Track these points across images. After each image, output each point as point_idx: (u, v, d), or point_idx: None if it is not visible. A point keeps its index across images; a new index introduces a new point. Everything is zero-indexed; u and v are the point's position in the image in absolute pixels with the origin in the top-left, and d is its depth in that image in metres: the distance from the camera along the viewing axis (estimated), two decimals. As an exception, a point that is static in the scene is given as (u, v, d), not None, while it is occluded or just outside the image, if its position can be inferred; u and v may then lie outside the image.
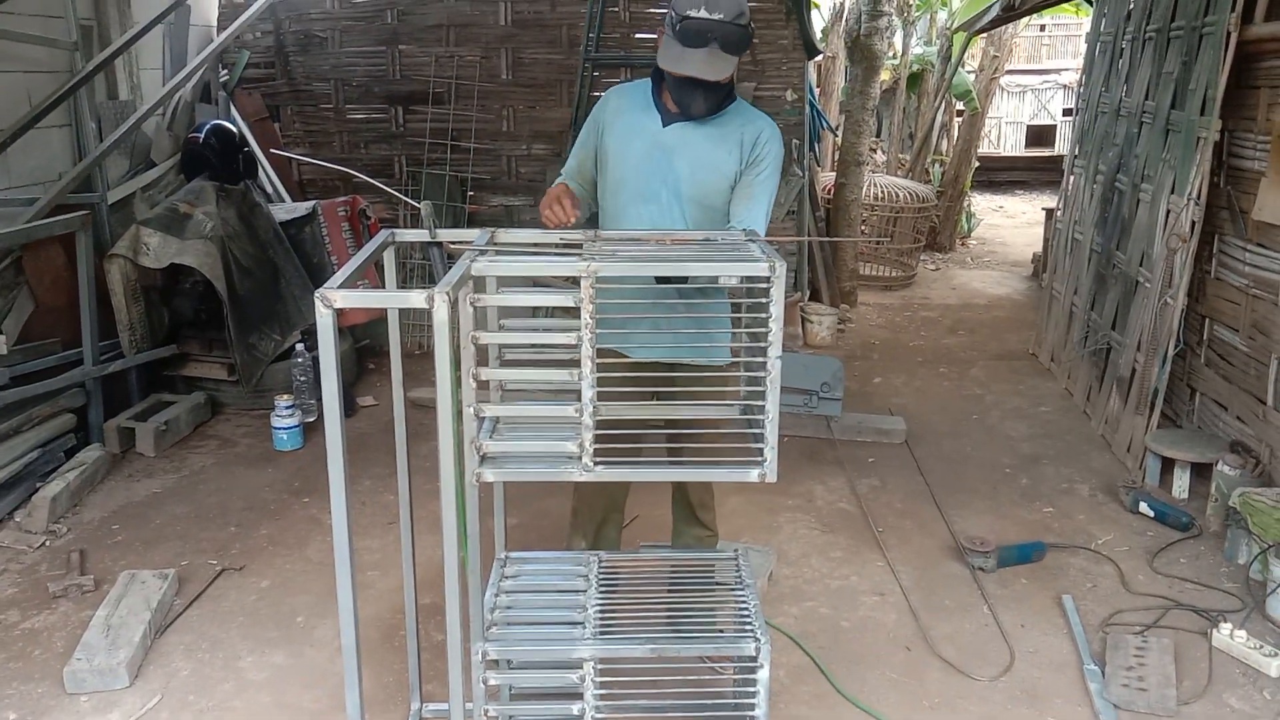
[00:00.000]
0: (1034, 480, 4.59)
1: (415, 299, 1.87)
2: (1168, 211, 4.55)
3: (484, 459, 2.29)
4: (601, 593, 2.63)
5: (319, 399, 5.08)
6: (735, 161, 2.85)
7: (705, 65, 2.71)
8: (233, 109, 6.20)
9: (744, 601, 2.58)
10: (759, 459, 2.24)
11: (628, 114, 2.93)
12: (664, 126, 2.88)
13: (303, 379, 5.05)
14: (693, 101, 2.79)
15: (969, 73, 10.48)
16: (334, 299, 1.86)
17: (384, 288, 2.66)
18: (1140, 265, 4.81)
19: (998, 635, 3.35)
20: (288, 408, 4.78)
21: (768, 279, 2.14)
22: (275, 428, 4.80)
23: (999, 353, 6.62)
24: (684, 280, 2.64)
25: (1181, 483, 4.28)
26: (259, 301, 5.11)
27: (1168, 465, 4.39)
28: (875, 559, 3.85)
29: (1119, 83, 5.47)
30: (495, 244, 2.46)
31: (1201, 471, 4.29)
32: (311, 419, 5.00)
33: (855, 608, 3.51)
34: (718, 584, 2.69)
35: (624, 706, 2.46)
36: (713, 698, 2.55)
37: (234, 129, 5.32)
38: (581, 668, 2.40)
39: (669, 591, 2.68)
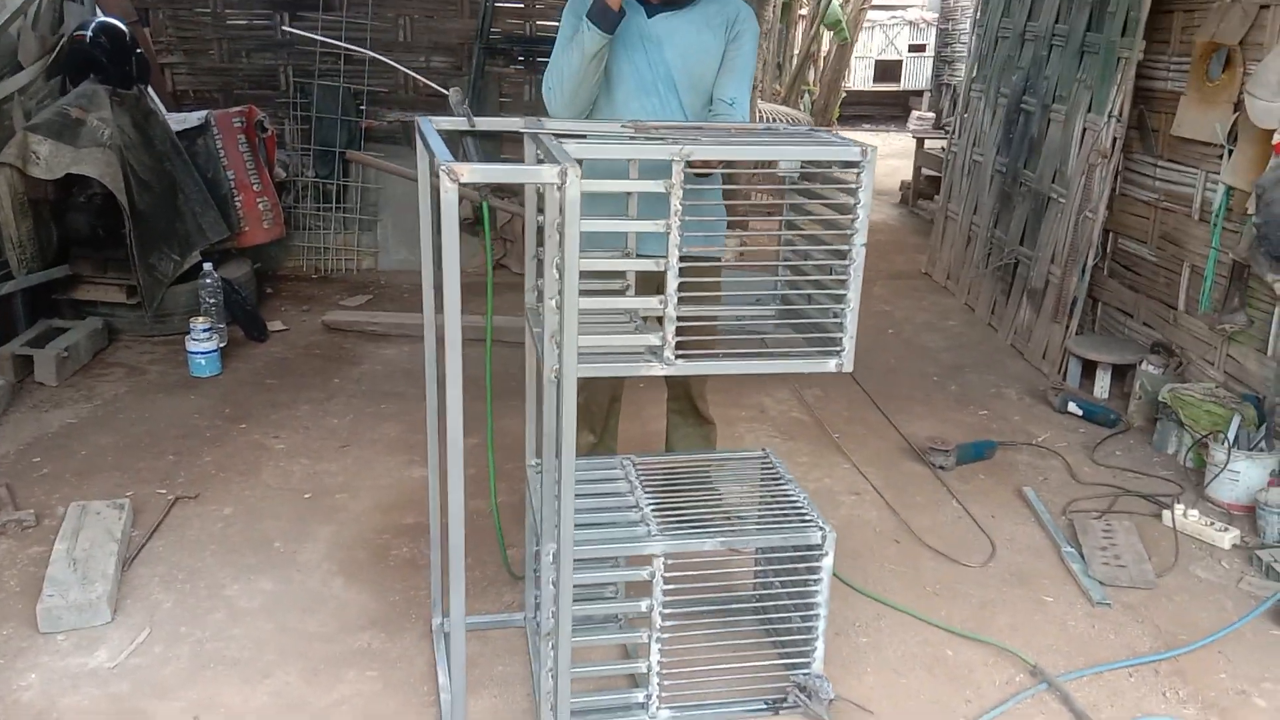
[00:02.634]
0: (962, 387, 4.81)
1: (547, 173, 1.75)
2: (1084, 130, 4.80)
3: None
4: (648, 493, 2.59)
5: (232, 322, 4.76)
6: (720, 44, 2.90)
7: None
8: (98, 11, 5.60)
9: (792, 494, 2.60)
10: (836, 349, 2.25)
11: None
12: (649, 19, 2.86)
13: (211, 301, 4.69)
14: None
15: (838, 4, 10.68)
16: (460, 171, 1.71)
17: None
18: (1053, 182, 5.07)
19: (973, 527, 3.50)
20: (205, 331, 4.44)
21: (859, 164, 2.13)
22: (192, 353, 4.45)
23: (892, 273, 6.87)
24: (710, 170, 2.62)
25: (1103, 383, 4.58)
26: (158, 218, 4.70)
27: (1088, 368, 4.69)
28: (841, 462, 3.96)
29: (1022, 8, 5.69)
30: (549, 131, 2.33)
31: (1119, 373, 4.61)
32: (223, 344, 4.66)
33: (837, 507, 3.59)
34: (760, 479, 2.70)
35: (686, 601, 2.44)
36: (766, 588, 2.57)
37: (124, 27, 4.81)
38: (651, 564, 2.36)
39: (712, 489, 2.68)
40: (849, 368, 2.25)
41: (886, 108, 14.75)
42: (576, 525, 2.41)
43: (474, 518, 3.43)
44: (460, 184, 1.73)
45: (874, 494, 3.70)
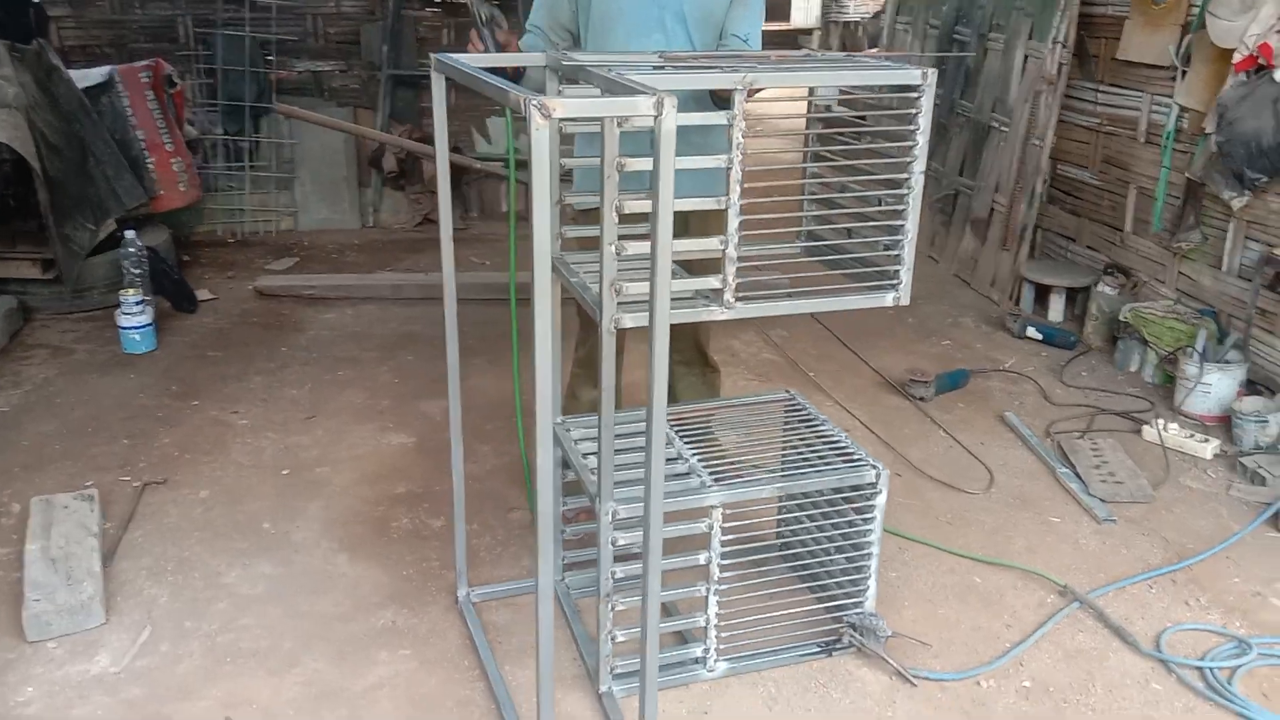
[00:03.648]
0: (919, 319, 4.84)
1: (643, 104, 1.60)
2: (1026, 57, 4.84)
3: (620, 305, 2.04)
4: (688, 443, 2.50)
5: (158, 293, 4.44)
6: None
7: None
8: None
9: (833, 434, 2.55)
10: (894, 282, 2.18)
11: None
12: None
13: (137, 272, 4.34)
14: None
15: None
16: (554, 107, 1.55)
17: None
18: (993, 112, 5.11)
19: (965, 454, 3.54)
20: (137, 303, 4.11)
21: (919, 88, 2.05)
22: (124, 328, 4.12)
23: (821, 210, 6.89)
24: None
25: (1057, 307, 4.68)
26: (70, 185, 4.31)
27: (1041, 293, 4.78)
28: (823, 400, 3.94)
29: (948, -62, 5.69)
30: (571, 62, 2.18)
31: (1070, 296, 4.72)
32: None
33: (831, 446, 3.57)
34: (798, 422, 2.64)
35: (742, 551, 2.37)
36: (820, 532, 2.53)
37: (15, -27, 4.37)
38: (710, 515, 2.28)
39: (750, 434, 2.61)
40: (906, 300, 2.19)
41: (776, 48, 14.67)
42: (626, 483, 2.31)
43: (467, 481, 3.30)
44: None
45: (864, 429, 3.70)
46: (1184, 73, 4.04)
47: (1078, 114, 4.86)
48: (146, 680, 2.36)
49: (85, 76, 4.73)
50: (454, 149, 5.96)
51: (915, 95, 2.06)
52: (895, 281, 2.18)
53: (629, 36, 2.73)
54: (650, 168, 1.99)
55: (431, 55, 2.24)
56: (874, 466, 2.37)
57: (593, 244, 2.37)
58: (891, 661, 2.40)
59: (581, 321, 2.98)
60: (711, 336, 3.21)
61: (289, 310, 4.81)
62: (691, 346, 3.14)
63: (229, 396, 3.84)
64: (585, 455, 2.42)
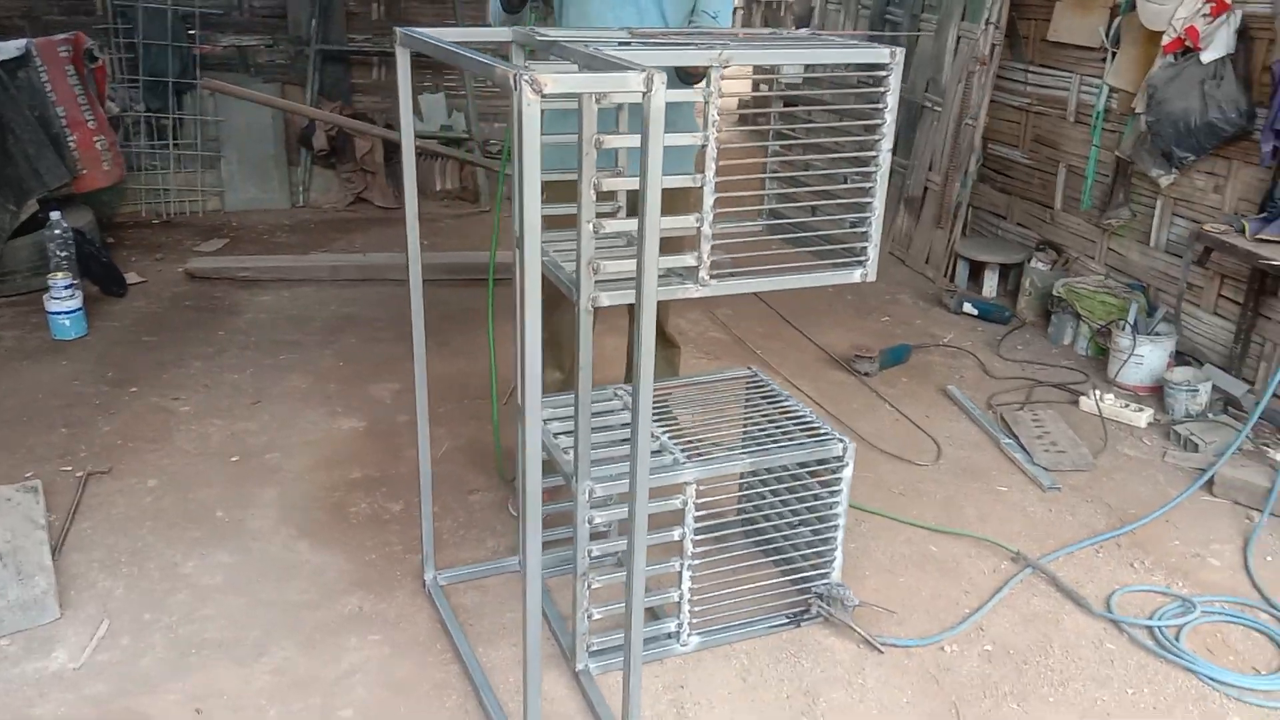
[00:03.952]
0: (858, 296, 4.92)
1: (633, 80, 1.60)
2: (959, 38, 4.94)
3: (598, 282, 2.04)
4: (656, 421, 2.51)
5: (85, 276, 4.29)
6: None
7: None
8: None
9: (797, 410, 2.59)
10: (862, 258, 2.22)
11: None
12: None
13: (63, 255, 4.18)
14: None
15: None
16: (545, 82, 1.53)
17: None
18: (926, 91, 5.21)
19: (912, 427, 3.62)
20: (67, 287, 3.97)
21: (887, 66, 2.09)
22: (53, 313, 3.97)
23: (754, 189, 6.95)
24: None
25: (991, 283, 4.81)
26: (-13, 164, 4.13)
27: (975, 270, 4.90)
28: (771, 376, 3.97)
29: (879, -81, 5.77)
30: (546, 39, 2.16)
31: (1004, 272, 4.85)
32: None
33: (783, 421, 3.63)
34: (760, 399, 2.67)
35: (711, 527, 2.40)
36: (784, 506, 2.56)
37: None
38: (684, 491, 2.30)
39: (718, 411, 2.63)
40: (873, 276, 2.24)
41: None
42: (599, 462, 2.32)
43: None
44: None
45: (813, 404, 3.75)
46: (1113, 54, 4.17)
47: (1009, 94, 4.98)
48: (109, 675, 2.29)
49: (1, 50, 4.51)
50: (386, 126, 5.86)
51: (883, 74, 2.10)
52: (863, 258, 2.22)
53: (603, 9, 2.71)
54: (625, 145, 2.01)
55: (396, 29, 2.20)
56: (840, 440, 2.42)
57: (558, 222, 2.37)
58: (859, 630, 2.46)
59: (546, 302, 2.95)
60: (670, 313, 3.23)
61: (223, 293, 4.68)
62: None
63: (168, 383, 3.73)
64: (557, 435, 2.42)
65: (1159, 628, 2.52)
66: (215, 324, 4.31)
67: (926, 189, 5.17)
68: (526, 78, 1.54)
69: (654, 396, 2.66)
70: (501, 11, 2.66)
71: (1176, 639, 2.48)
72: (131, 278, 4.70)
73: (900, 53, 2.08)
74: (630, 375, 3.29)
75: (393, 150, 6.04)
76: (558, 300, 2.85)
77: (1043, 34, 4.69)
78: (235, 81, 5.54)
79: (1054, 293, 4.28)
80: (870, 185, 2.17)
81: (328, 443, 3.39)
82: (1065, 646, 2.49)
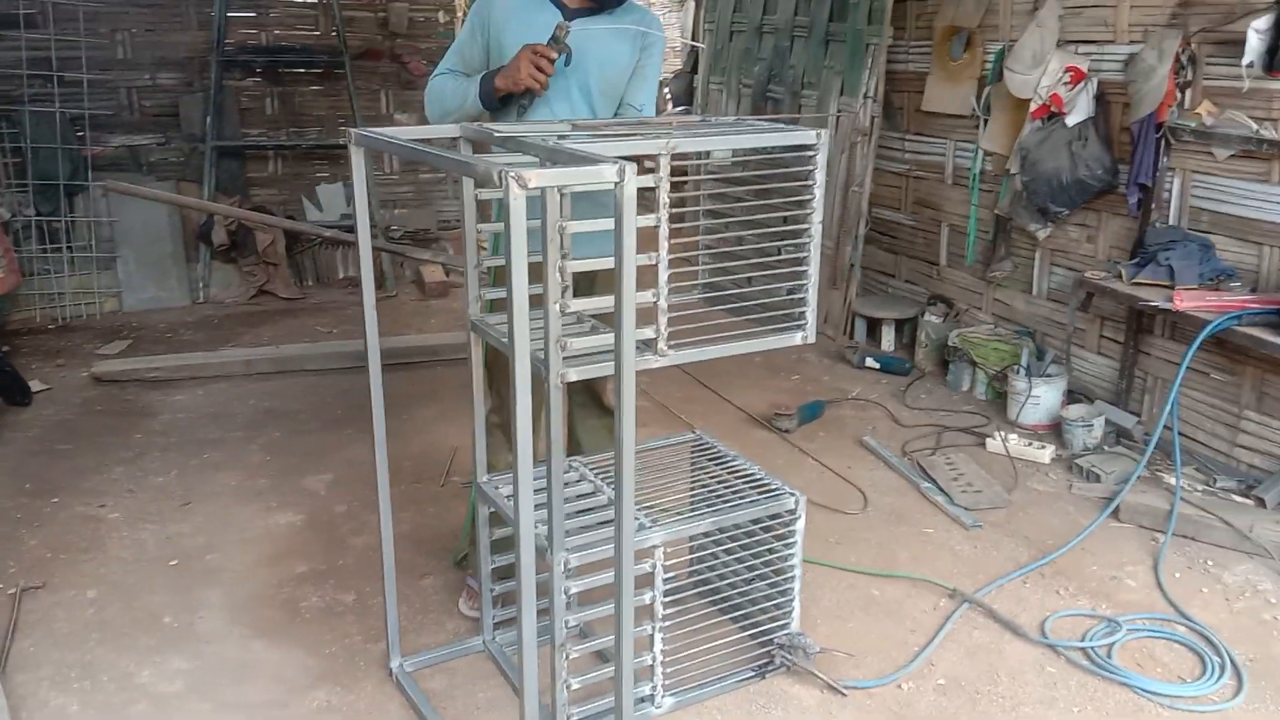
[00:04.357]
0: (766, 358, 5.12)
1: (608, 172, 1.73)
2: (839, 112, 5.27)
3: (566, 358, 2.14)
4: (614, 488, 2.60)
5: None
6: (633, 54, 2.89)
7: None
8: None
9: (747, 468, 2.72)
10: (801, 323, 2.39)
11: (521, 12, 2.81)
12: (566, 21, 2.83)
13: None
14: None
15: None
16: (530, 177, 1.65)
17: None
18: (770, 168, 5.50)
19: (836, 479, 3.80)
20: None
21: (814, 147, 2.28)
22: (-44, 427, 3.83)
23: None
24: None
25: (889, 338, 5.08)
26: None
27: (872, 326, 5.17)
28: (698, 441, 4.13)
29: (755, 4, 6.10)
30: (497, 133, 2.28)
31: (899, 326, 5.13)
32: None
33: (716, 483, 3.76)
34: (709, 460, 2.79)
35: (683, 586, 2.50)
36: (738, 563, 2.67)
37: None
38: (653, 555, 2.39)
39: (671, 474, 2.74)
40: (812, 338, 2.40)
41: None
42: (573, 531, 2.40)
43: (367, 552, 3.28)
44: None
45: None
46: (985, 121, 4.54)
47: (889, 161, 5.32)
48: (77, 795, 2.23)
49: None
50: (289, 217, 5.86)
51: (811, 153, 2.29)
52: (802, 322, 2.39)
53: (540, 102, 2.81)
54: (590, 229, 2.14)
55: (350, 130, 2.29)
56: (792, 494, 2.56)
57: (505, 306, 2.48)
58: (822, 676, 2.58)
59: (494, 386, 3.01)
60: (607, 382, 3.33)
61: (133, 395, 4.57)
62: (587, 390, 3.24)
63: (91, 490, 3.63)
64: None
65: (1092, 648, 2.72)
66: (131, 427, 4.21)
67: (821, 253, 5.43)
68: (513, 174, 1.66)
69: (605, 465, 2.76)
70: (478, 106, 2.69)
71: (1109, 657, 2.68)
72: (35, 385, 4.56)
73: (826, 134, 2.28)
74: (572, 448, 3.40)
75: (293, 241, 6.05)
76: (507, 381, 2.93)
77: (916, 105, 5.05)
78: (129, 181, 5.47)
79: (950, 343, 4.57)
80: (805, 255, 2.35)
81: (267, 539, 3.35)
82: (1011, 674, 2.65)
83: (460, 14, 6.24)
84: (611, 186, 1.77)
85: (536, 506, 2.44)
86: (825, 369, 4.97)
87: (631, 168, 1.76)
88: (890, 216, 5.40)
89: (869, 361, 4.89)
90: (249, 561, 3.20)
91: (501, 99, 2.68)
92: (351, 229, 6.16)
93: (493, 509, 2.61)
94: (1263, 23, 3.29)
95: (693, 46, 6.55)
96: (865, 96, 5.06)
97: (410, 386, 4.61)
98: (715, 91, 6.64)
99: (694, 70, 7.53)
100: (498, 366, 2.79)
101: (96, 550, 3.24)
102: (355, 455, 3.96)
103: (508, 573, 2.78)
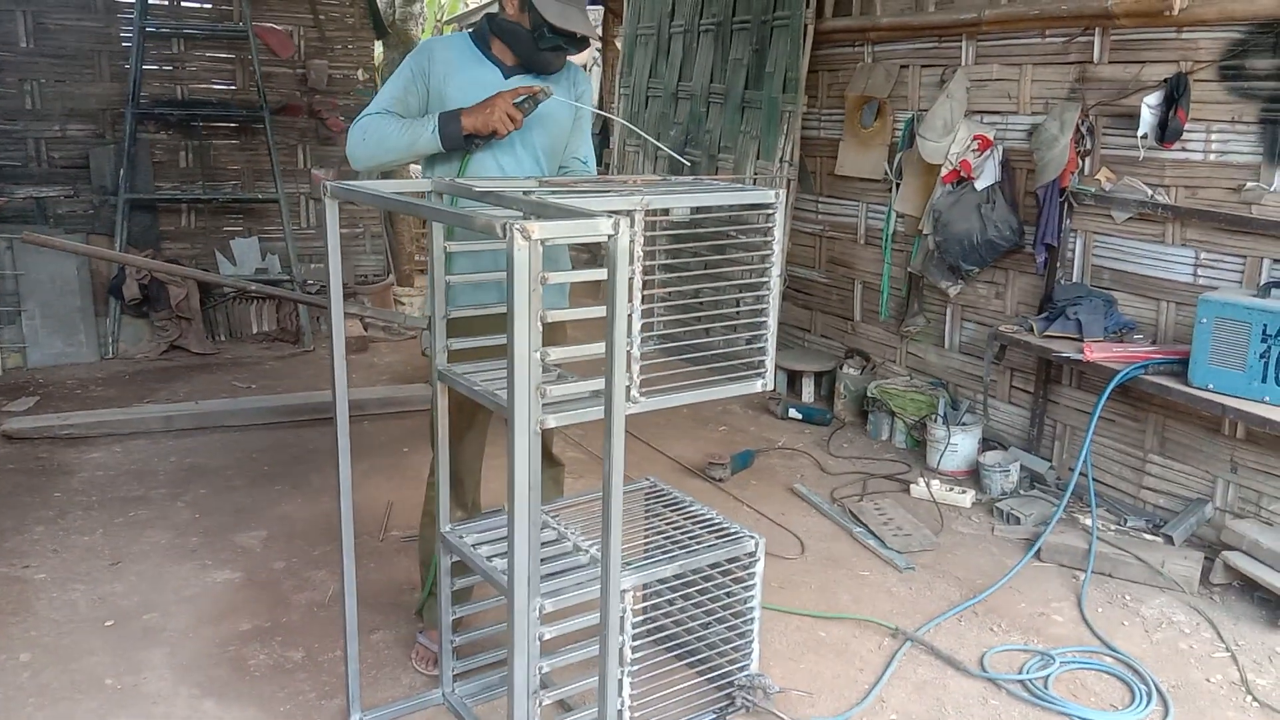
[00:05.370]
0: (693, 410, 5.24)
1: (604, 225, 1.82)
2: (755, 175, 5.49)
3: (545, 405, 2.20)
4: (581, 537, 2.65)
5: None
6: (570, 110, 3.00)
7: (584, 21, 2.83)
8: None
9: (703, 513, 2.80)
10: (761, 370, 2.50)
11: (464, 68, 2.89)
12: (506, 79, 2.91)
13: None
14: (557, 57, 2.88)
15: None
16: (533, 230, 1.72)
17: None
18: (727, 225, 5.70)
19: (773, 525, 3.91)
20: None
21: (772, 205, 2.42)
22: None
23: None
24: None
25: (809, 389, 5.26)
26: None
27: (792, 378, 5.35)
28: (634, 492, 4.19)
29: (670, 70, 6.33)
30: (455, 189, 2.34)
31: (818, 378, 5.32)
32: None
33: (656, 532, 3.82)
34: (665, 506, 2.86)
35: (655, 629, 2.55)
36: (694, 607, 2.74)
37: None
38: (623, 600, 2.44)
39: (631, 520, 2.80)
40: (772, 385, 2.52)
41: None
42: (544, 576, 2.43)
43: (312, 608, 3.25)
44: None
45: (679, 514, 3.98)
46: (897, 185, 4.80)
47: (804, 222, 5.56)
48: None
49: None
50: (203, 270, 5.75)
51: (770, 211, 2.43)
52: (761, 370, 2.50)
53: (484, 154, 2.87)
54: (571, 279, 2.21)
55: (326, 184, 2.32)
56: (752, 537, 2.65)
57: (470, 355, 2.54)
58: (782, 715, 2.65)
59: (450, 437, 3.01)
60: (555, 433, 3.39)
61: (47, 453, 4.40)
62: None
63: (13, 551, 3.49)
64: (490, 559, 2.51)
65: (1030, 680, 2.86)
66: (48, 485, 4.06)
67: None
68: (517, 226, 1.74)
69: (573, 513, 2.81)
70: (434, 144, 2.68)
71: (1046, 688, 2.83)
72: (-63, 444, 4.36)
73: (784, 193, 2.42)
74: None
75: (206, 296, 5.94)
76: (462, 433, 2.96)
77: (830, 169, 5.31)
78: (36, 233, 5.30)
79: (868, 394, 4.77)
80: (765, 306, 2.48)
81: (206, 597, 3.27)
82: (957, 708, 2.78)
83: (380, 72, 6.28)
84: (605, 239, 1.86)
85: (497, 556, 2.49)
86: (750, 419, 5.12)
87: (625, 221, 1.85)
88: (805, 274, 5.62)
89: (791, 412, 5.05)
90: (190, 620, 3.12)
91: (465, 138, 2.71)
92: (271, 283, 6.10)
93: (456, 558, 2.63)
94: (1154, 98, 3.60)
95: (605, 116, 6.71)
96: (781, 160, 5.29)
97: (335, 442, 4.55)
98: (632, 153, 6.82)
99: (601, 133, 7.72)
100: (461, 415, 2.82)
101: (25, 613, 3.11)
102: (287, 511, 3.90)
103: (469, 623, 2.79)
